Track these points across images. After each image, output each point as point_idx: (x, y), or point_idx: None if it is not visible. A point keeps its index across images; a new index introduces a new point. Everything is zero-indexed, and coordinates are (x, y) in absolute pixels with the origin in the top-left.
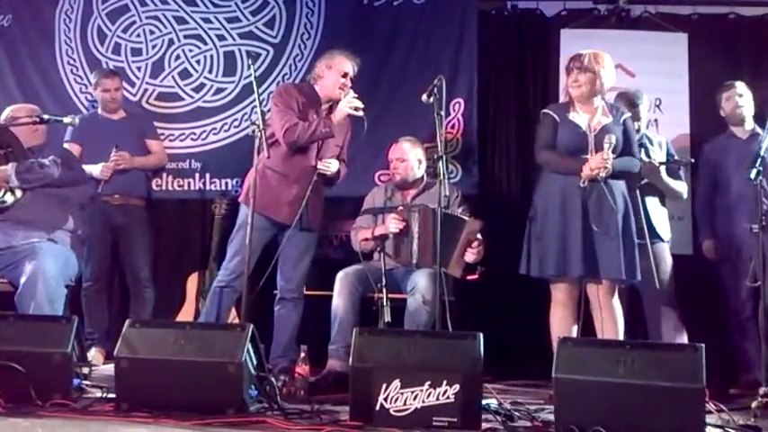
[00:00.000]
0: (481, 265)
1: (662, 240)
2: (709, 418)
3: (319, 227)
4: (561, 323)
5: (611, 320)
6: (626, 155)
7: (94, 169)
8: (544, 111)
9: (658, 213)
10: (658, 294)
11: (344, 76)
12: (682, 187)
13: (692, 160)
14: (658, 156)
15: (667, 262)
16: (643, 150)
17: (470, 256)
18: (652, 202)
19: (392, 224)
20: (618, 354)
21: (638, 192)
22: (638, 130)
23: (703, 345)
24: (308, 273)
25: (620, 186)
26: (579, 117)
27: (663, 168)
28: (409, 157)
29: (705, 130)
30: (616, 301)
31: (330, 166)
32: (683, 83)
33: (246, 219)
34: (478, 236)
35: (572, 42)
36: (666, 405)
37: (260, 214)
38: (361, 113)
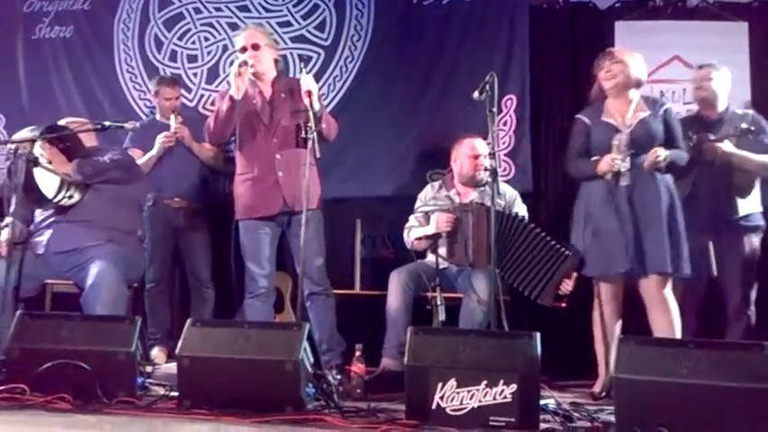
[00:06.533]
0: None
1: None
2: None
3: (317, 204)
4: (606, 321)
5: (664, 316)
6: (670, 148)
7: (157, 140)
8: (576, 116)
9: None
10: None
11: (243, 50)
12: None
13: (751, 128)
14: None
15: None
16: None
17: (566, 288)
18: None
19: (443, 224)
20: (681, 353)
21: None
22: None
23: None
24: (323, 257)
25: (665, 180)
26: (612, 116)
27: (727, 143)
28: (487, 154)
29: None
30: (669, 296)
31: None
32: (743, 74)
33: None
34: None
35: (627, 35)
36: (733, 406)
37: (251, 219)
38: (244, 68)
